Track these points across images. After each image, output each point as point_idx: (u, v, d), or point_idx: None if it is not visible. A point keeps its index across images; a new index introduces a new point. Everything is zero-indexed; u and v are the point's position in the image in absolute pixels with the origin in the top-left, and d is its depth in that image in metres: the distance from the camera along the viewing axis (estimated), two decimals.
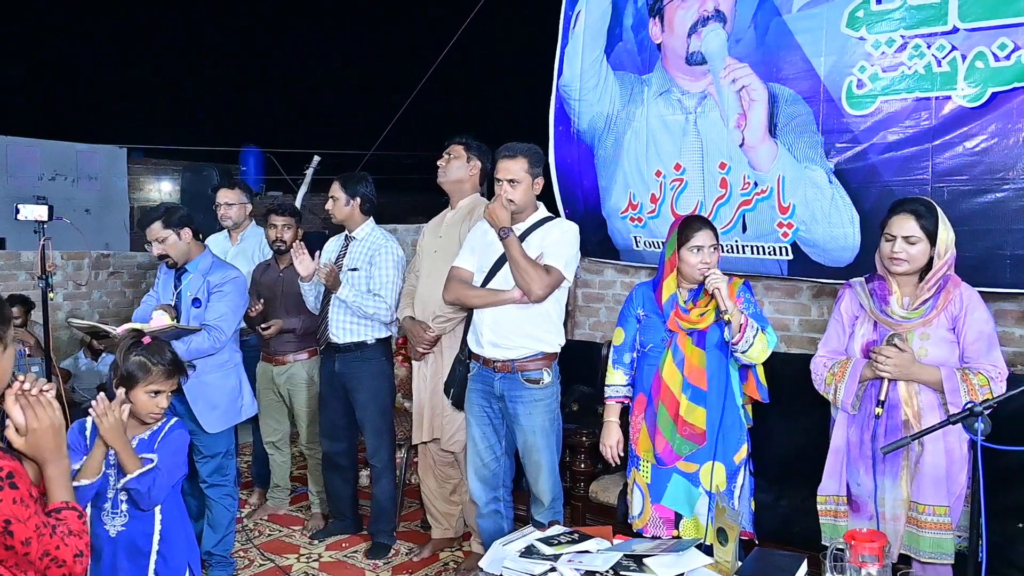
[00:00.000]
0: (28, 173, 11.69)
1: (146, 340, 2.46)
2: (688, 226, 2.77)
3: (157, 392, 2.37)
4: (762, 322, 2.72)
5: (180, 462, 2.43)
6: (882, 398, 2.44)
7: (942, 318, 2.47)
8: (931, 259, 2.48)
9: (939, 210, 2.49)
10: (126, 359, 2.37)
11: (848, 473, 2.60)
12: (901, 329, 2.48)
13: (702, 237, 2.72)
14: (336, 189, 3.72)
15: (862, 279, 2.65)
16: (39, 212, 3.83)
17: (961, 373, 2.41)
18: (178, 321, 3.20)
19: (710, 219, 3.05)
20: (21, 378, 1.62)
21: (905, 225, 2.47)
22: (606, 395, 2.96)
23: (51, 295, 3.91)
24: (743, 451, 2.76)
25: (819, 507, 2.67)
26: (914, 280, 2.52)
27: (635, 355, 2.91)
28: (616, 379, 2.93)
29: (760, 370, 2.81)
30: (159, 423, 2.43)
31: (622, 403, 2.94)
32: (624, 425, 2.94)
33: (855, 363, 2.55)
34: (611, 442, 2.93)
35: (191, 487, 3.46)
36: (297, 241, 3.74)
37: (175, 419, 2.48)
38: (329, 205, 3.73)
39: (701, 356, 2.73)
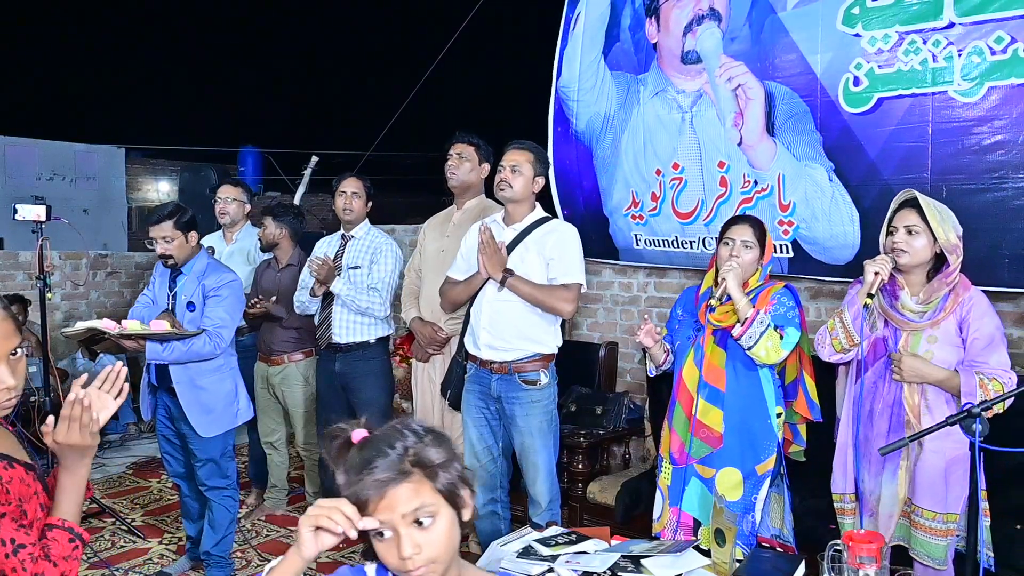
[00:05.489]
0: (26, 173, 11.66)
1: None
2: (729, 222, 2.80)
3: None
4: (788, 324, 2.63)
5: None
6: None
7: (951, 321, 2.45)
8: (936, 256, 2.47)
9: (933, 204, 2.47)
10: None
11: (856, 471, 2.59)
12: (910, 328, 2.47)
13: (734, 231, 2.72)
14: (359, 186, 3.73)
15: None
16: (37, 212, 3.82)
17: (979, 379, 2.36)
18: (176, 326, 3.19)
19: (754, 218, 2.98)
20: (109, 371, 1.57)
21: (907, 217, 2.49)
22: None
23: (49, 295, 3.91)
24: (769, 462, 2.65)
25: (835, 505, 2.64)
26: (921, 280, 2.51)
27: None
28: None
29: (811, 387, 2.75)
30: None
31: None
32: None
33: (847, 298, 2.58)
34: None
35: (191, 489, 3.45)
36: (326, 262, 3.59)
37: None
38: (347, 202, 3.70)
39: (721, 356, 2.70)
